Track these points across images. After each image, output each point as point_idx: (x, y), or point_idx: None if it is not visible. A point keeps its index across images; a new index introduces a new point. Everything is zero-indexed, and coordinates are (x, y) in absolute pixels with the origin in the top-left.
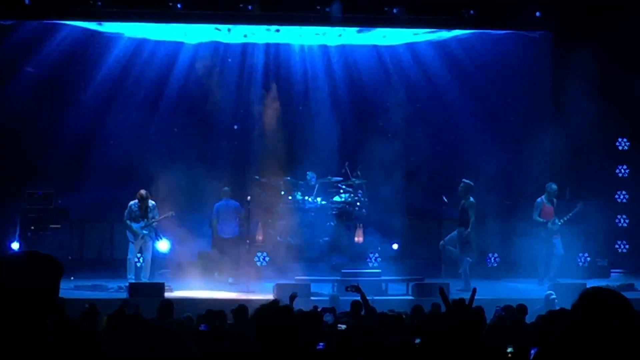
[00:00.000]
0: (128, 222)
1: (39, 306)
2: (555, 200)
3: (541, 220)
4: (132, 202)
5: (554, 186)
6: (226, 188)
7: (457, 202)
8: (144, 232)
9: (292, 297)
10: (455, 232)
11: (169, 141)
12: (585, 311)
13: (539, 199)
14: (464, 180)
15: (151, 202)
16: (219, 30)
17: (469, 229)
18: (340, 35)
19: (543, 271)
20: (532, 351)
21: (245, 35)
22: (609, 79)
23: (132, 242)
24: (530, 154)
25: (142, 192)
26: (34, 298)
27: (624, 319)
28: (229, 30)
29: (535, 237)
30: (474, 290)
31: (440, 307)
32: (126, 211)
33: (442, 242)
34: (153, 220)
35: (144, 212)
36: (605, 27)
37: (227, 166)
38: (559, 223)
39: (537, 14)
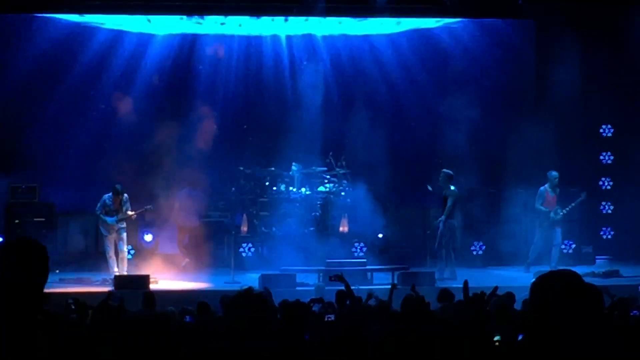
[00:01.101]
0: (102, 216)
1: (34, 292)
2: (558, 189)
3: (544, 209)
4: (105, 196)
5: (555, 173)
6: None
7: (441, 191)
8: (119, 225)
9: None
10: (439, 224)
11: (151, 132)
12: (534, 297)
13: (542, 188)
14: (443, 170)
15: (125, 195)
16: (200, 24)
17: (452, 219)
18: (320, 24)
19: (532, 259)
20: (519, 337)
21: (222, 23)
22: (593, 66)
23: (106, 236)
24: (515, 142)
25: (117, 186)
26: (28, 283)
27: (573, 295)
28: (201, 20)
29: (539, 226)
30: (466, 283)
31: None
32: (99, 205)
33: (437, 244)
34: (127, 212)
35: (118, 205)
36: (589, 15)
37: (211, 157)
38: (562, 213)
39: (520, 1)
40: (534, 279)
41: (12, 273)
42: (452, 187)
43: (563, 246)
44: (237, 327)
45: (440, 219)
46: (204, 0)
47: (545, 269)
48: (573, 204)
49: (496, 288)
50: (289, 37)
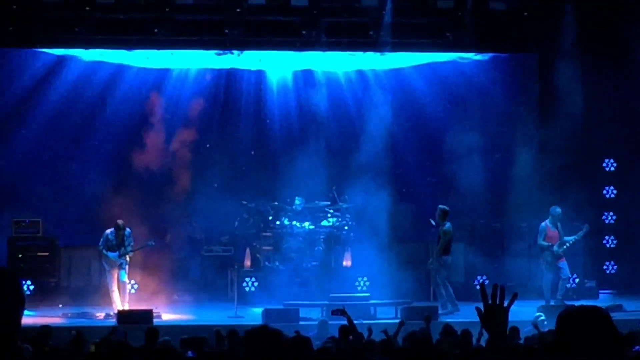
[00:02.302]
0: (104, 251)
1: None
2: (559, 224)
3: (546, 244)
4: (108, 231)
5: (558, 209)
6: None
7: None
8: (121, 260)
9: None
10: (430, 265)
11: (155, 167)
12: (562, 331)
13: (543, 224)
14: (439, 205)
15: (127, 230)
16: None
17: (447, 255)
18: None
19: (548, 295)
20: None
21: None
22: (596, 99)
23: (109, 271)
24: (518, 177)
25: (119, 221)
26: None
27: (602, 333)
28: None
29: (544, 262)
30: (482, 285)
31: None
32: (102, 240)
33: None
34: (130, 248)
35: (120, 240)
36: (592, 47)
37: (214, 191)
38: (566, 246)
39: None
40: (540, 314)
41: None
42: (447, 224)
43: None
44: None
45: (430, 260)
46: (209, 34)
47: (551, 302)
48: (576, 236)
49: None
50: (294, 72)
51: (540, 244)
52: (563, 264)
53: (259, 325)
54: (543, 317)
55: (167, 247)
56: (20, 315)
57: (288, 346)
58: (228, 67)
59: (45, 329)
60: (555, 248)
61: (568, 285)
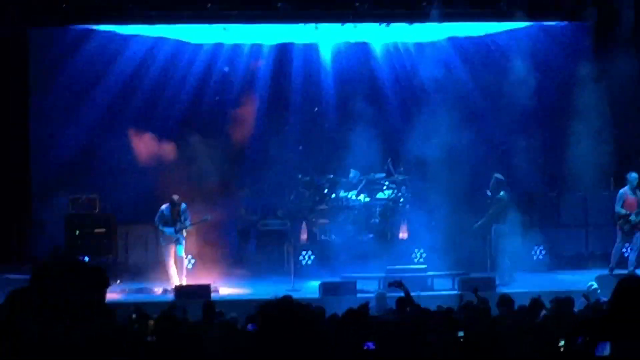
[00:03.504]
0: (160, 226)
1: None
2: (638, 191)
3: (624, 212)
4: (163, 207)
5: (635, 174)
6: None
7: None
8: (178, 235)
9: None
10: (493, 234)
11: (208, 141)
12: (618, 299)
13: (621, 190)
14: (495, 175)
15: (183, 205)
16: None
17: (503, 224)
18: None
19: (614, 262)
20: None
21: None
22: None
23: (165, 246)
24: (574, 146)
25: (174, 196)
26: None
27: None
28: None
29: (619, 230)
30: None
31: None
32: (157, 216)
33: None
34: (187, 224)
35: (176, 216)
36: None
37: (270, 165)
38: None
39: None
40: (593, 283)
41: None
42: (502, 193)
43: (624, 250)
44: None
45: (477, 223)
46: (261, 7)
47: (604, 272)
48: None
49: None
50: (345, 44)
51: (617, 211)
52: (638, 234)
53: (276, 298)
54: (596, 286)
55: (224, 222)
56: (104, 298)
57: (309, 319)
58: (281, 41)
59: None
60: (632, 217)
61: (627, 255)
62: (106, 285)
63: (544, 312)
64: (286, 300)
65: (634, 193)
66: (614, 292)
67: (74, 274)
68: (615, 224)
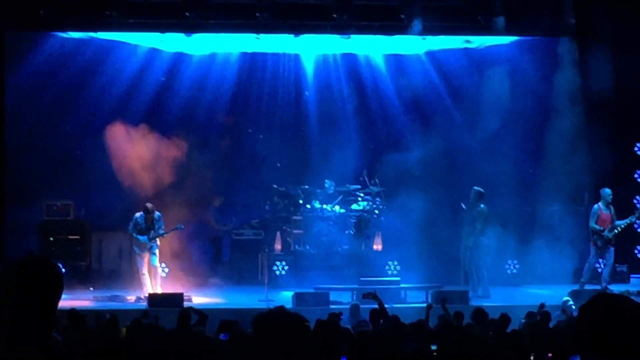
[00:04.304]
0: (134, 234)
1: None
2: (612, 207)
3: (598, 227)
4: (137, 215)
5: (608, 190)
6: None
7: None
8: (151, 244)
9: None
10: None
11: (183, 150)
12: (588, 315)
13: (595, 206)
14: (474, 187)
15: (157, 213)
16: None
17: (483, 237)
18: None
19: (586, 278)
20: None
21: (257, 38)
22: (627, 79)
23: (139, 254)
24: (549, 161)
25: (148, 205)
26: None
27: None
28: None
29: (593, 245)
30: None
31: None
32: (131, 224)
33: (468, 262)
34: (160, 232)
35: (150, 224)
36: (624, 32)
37: (244, 175)
38: (617, 231)
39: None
40: (569, 299)
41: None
42: (482, 206)
43: (597, 265)
44: (272, 348)
45: (470, 240)
46: (240, 18)
47: (576, 287)
48: (627, 220)
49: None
50: (324, 56)
51: (592, 227)
52: (611, 249)
53: (272, 308)
54: (571, 303)
55: (198, 231)
56: (56, 304)
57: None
58: (259, 50)
59: (73, 312)
60: (606, 233)
61: (600, 270)
62: (57, 288)
63: (520, 324)
64: (281, 311)
65: (608, 209)
66: (584, 309)
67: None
68: (590, 239)
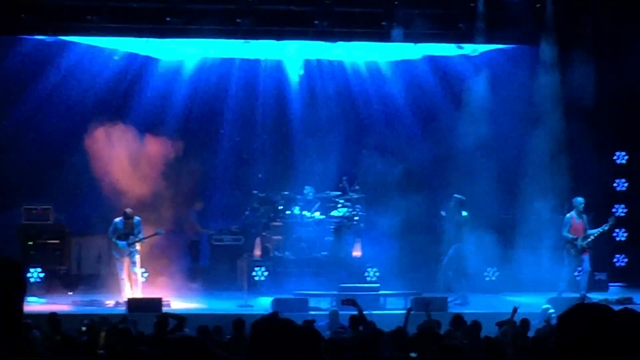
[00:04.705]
0: (114, 239)
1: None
2: (585, 215)
3: (571, 236)
4: (116, 220)
5: (580, 199)
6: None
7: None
8: (131, 249)
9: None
10: (451, 250)
11: (164, 155)
12: (565, 327)
13: (568, 215)
14: (455, 195)
15: (136, 219)
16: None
17: (463, 244)
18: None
19: (563, 287)
20: None
21: (245, 42)
22: (606, 90)
23: (118, 259)
24: (529, 169)
25: (127, 210)
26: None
27: (606, 333)
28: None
29: (567, 254)
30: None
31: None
32: (111, 228)
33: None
34: (140, 237)
35: (129, 229)
36: (604, 41)
37: (225, 180)
38: (590, 239)
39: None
40: (549, 306)
41: None
42: (464, 213)
43: (576, 273)
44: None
45: (454, 246)
46: (220, 24)
47: (554, 295)
48: (600, 229)
49: (515, 309)
50: (306, 61)
51: (564, 236)
52: (586, 257)
53: (269, 314)
54: (552, 310)
55: (177, 236)
56: (21, 302)
57: (298, 337)
58: (239, 56)
59: (54, 316)
60: (579, 241)
61: (578, 278)
62: (20, 287)
63: (499, 332)
64: (277, 317)
65: (580, 217)
66: (563, 318)
67: None
68: (563, 248)
